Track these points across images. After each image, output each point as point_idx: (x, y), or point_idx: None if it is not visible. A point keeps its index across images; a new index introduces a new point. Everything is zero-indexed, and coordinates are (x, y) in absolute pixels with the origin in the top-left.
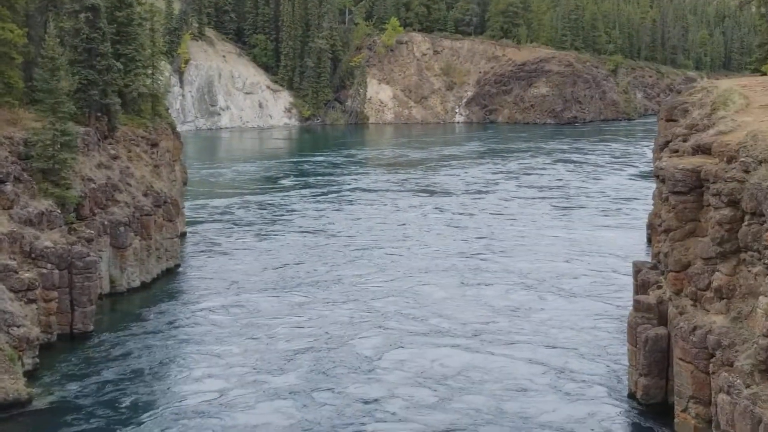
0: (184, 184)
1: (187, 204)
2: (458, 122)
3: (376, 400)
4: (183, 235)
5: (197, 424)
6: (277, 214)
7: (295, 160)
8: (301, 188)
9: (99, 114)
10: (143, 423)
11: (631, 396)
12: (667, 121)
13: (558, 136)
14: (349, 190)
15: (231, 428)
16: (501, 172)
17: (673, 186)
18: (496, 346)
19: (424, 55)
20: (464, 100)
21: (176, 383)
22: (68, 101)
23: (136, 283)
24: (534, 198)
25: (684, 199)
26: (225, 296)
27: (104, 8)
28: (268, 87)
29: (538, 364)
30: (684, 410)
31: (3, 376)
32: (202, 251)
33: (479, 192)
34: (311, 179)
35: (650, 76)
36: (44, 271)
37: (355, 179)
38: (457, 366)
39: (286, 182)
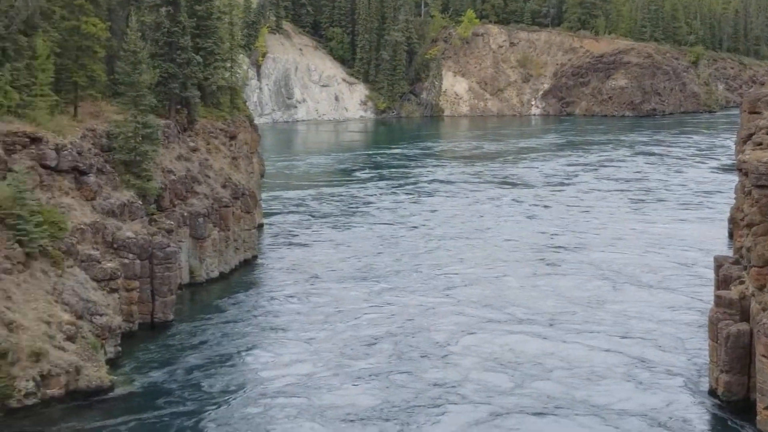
0: (262, 176)
1: (264, 196)
2: (534, 114)
3: (451, 384)
4: (260, 226)
5: (280, 403)
6: (353, 206)
7: (370, 152)
8: (377, 180)
9: (179, 107)
10: (224, 406)
11: (712, 393)
12: (750, 113)
13: (637, 128)
14: (425, 182)
15: (316, 408)
16: (579, 164)
17: (756, 179)
18: (572, 334)
19: (500, 47)
20: (541, 92)
21: (257, 368)
22: (149, 94)
23: (215, 274)
24: (613, 190)
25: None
26: (303, 286)
27: (184, 2)
28: (343, 80)
29: (615, 353)
30: (767, 408)
31: (86, 364)
32: (280, 242)
33: (557, 184)
34: (387, 171)
35: (732, 68)
36: (126, 261)
37: (431, 171)
38: (531, 353)
39: (362, 174)
